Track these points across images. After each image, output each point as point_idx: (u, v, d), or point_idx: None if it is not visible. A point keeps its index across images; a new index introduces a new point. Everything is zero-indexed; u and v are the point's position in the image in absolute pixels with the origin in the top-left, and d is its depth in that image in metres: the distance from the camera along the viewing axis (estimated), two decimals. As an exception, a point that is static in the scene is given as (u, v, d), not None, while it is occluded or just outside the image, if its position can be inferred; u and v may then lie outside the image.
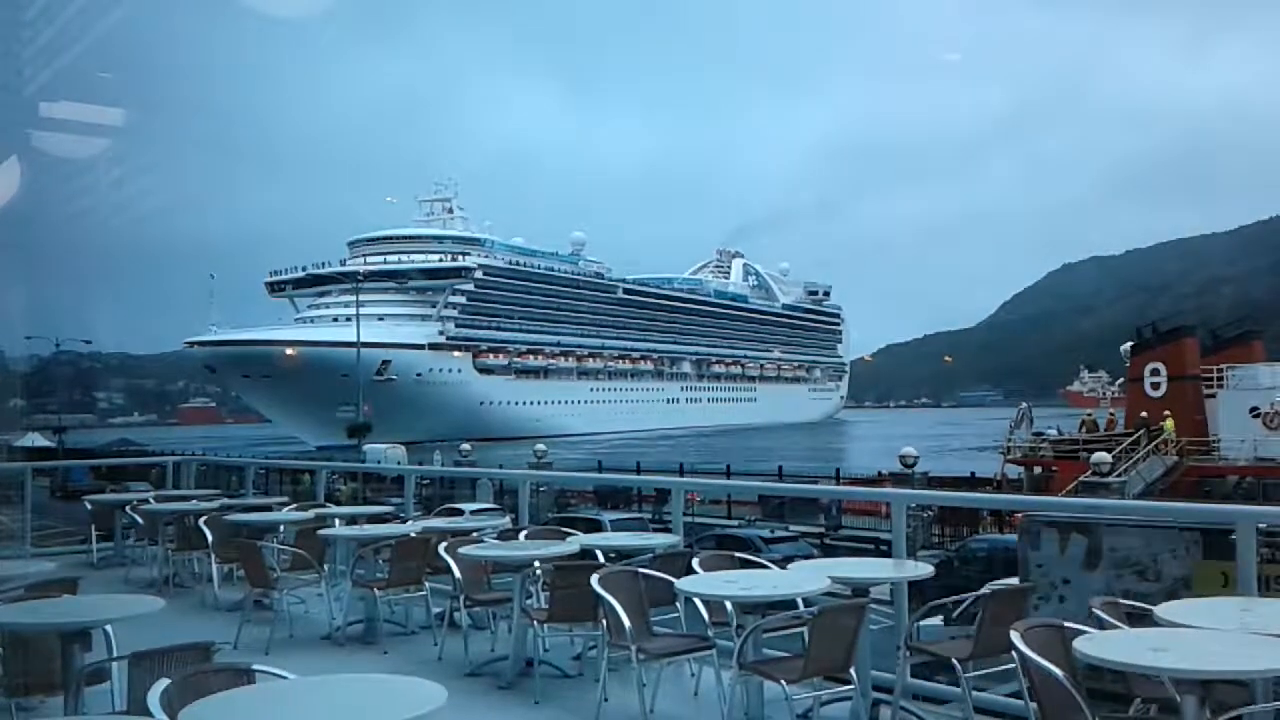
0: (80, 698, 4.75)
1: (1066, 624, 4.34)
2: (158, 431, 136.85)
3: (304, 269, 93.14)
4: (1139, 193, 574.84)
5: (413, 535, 8.15)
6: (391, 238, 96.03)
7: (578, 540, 7.51)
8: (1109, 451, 29.72)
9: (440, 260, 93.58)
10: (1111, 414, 39.35)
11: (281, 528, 9.61)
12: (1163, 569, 5.73)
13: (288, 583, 8.33)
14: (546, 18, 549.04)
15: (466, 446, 44.23)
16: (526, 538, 7.93)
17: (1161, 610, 4.36)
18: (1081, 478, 28.56)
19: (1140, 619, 4.52)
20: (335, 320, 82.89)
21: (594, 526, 17.51)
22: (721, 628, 5.83)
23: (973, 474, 36.82)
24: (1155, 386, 34.36)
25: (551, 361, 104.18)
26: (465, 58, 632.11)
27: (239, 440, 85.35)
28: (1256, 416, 31.32)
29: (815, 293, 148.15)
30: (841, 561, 7.89)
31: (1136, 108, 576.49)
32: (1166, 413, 32.73)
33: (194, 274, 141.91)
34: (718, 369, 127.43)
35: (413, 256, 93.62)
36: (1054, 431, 38.22)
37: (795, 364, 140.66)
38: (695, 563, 6.34)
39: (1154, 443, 31.80)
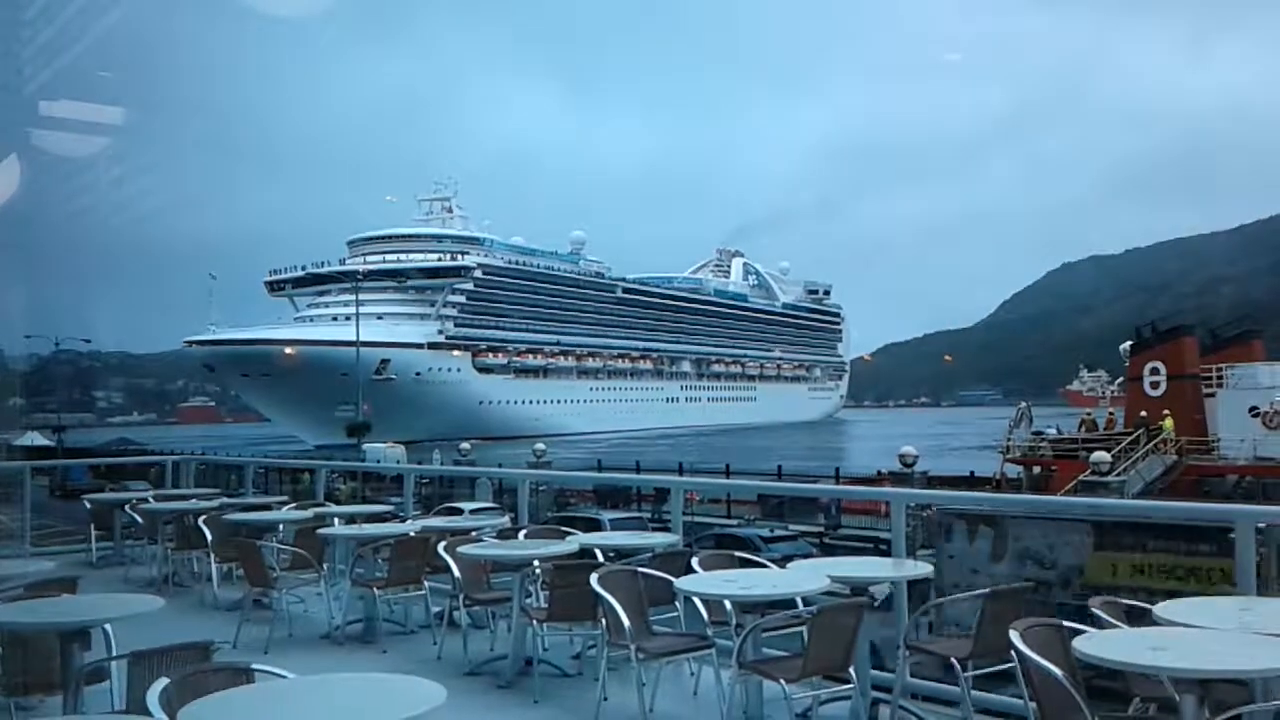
0: (79, 697, 4.75)
1: (1065, 624, 4.34)
2: (157, 430, 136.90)
3: (303, 268, 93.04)
4: (1139, 193, 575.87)
5: (412, 534, 8.15)
6: (391, 237, 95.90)
7: (577, 539, 7.51)
8: (1108, 451, 29.68)
9: (440, 259, 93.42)
10: (1111, 413, 39.25)
11: (281, 527, 9.63)
12: (1059, 558, 5.83)
13: (287, 582, 8.34)
14: (546, 18, 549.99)
15: (466, 445, 44.10)
16: (526, 537, 7.94)
17: (1161, 609, 4.36)
18: (1081, 477, 28.48)
19: (1140, 618, 4.52)
20: (334, 319, 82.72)
21: (593, 526, 17.55)
22: (721, 627, 5.83)
23: (972, 473, 36.75)
24: (1155, 386, 34.32)
25: (551, 361, 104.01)
26: (465, 58, 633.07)
27: (238, 439, 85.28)
28: (1256, 416, 31.29)
29: (815, 292, 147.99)
30: (841, 561, 7.85)
31: (1136, 108, 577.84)
32: (1166, 412, 32.68)
33: (194, 273, 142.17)
34: (717, 368, 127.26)
35: (412, 256, 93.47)
36: (1053, 431, 38.16)
37: (795, 363, 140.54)
38: (694, 562, 6.35)
39: (1153, 442, 31.74)
